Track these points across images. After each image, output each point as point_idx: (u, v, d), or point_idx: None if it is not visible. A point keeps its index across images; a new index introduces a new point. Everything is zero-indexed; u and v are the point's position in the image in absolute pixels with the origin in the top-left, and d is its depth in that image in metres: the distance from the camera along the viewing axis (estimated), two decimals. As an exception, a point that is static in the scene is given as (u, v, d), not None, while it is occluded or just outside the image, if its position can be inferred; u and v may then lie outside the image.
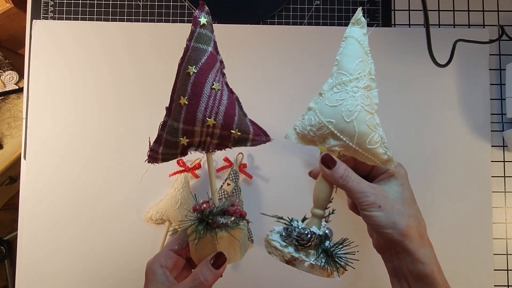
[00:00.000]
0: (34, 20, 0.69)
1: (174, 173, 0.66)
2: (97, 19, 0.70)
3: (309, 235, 0.40)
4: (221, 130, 0.40)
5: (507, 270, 0.68)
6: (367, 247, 0.67)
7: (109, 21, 0.70)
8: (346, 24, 0.71)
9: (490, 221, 0.68)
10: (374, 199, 0.39)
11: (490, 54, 0.70)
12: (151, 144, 0.41)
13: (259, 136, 0.42)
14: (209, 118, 0.38)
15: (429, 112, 0.69)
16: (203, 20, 0.38)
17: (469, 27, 0.72)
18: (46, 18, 0.70)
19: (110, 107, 0.69)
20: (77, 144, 0.68)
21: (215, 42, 0.40)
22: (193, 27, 0.38)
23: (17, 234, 0.67)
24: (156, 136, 0.41)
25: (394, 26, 0.72)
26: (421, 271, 0.39)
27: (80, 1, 0.71)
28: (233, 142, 0.41)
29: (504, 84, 0.70)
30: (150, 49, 0.69)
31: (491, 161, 0.69)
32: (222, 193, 0.64)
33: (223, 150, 0.41)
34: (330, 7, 0.72)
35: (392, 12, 0.72)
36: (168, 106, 0.40)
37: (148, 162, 0.41)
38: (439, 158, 0.69)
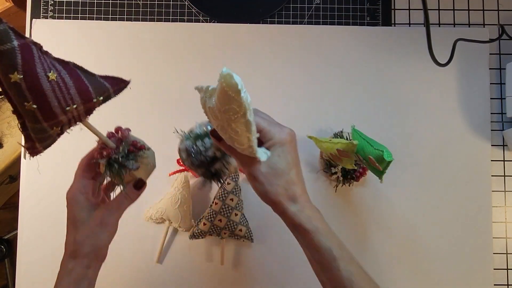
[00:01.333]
0: (34, 19, 0.69)
1: (174, 173, 0.66)
2: (97, 18, 0.70)
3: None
4: (84, 106, 0.39)
5: (507, 269, 0.68)
6: (363, 255, 0.68)
7: (109, 20, 0.70)
8: (346, 23, 0.71)
9: (490, 220, 0.68)
10: (250, 171, 0.42)
11: (490, 53, 0.70)
12: (24, 144, 0.39)
13: (118, 86, 0.42)
14: (68, 107, 0.36)
15: (429, 111, 0.69)
16: None
17: (469, 26, 0.72)
18: (46, 17, 0.70)
19: (109, 105, 0.68)
20: (77, 143, 0.68)
21: (13, 30, 0.32)
22: None
23: (17, 233, 0.67)
24: (24, 137, 0.38)
25: (394, 26, 0.72)
26: (292, 222, 0.42)
27: (80, 0, 0.71)
28: (100, 104, 0.42)
29: (504, 84, 0.70)
30: (150, 48, 0.69)
31: (491, 160, 0.69)
32: (223, 192, 0.64)
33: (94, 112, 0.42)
34: (330, 6, 0.72)
35: (392, 11, 0.72)
36: (13, 110, 0.36)
37: (32, 156, 0.40)
38: (439, 157, 0.69)
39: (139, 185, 0.48)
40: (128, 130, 0.48)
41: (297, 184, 0.42)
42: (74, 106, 0.37)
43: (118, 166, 0.44)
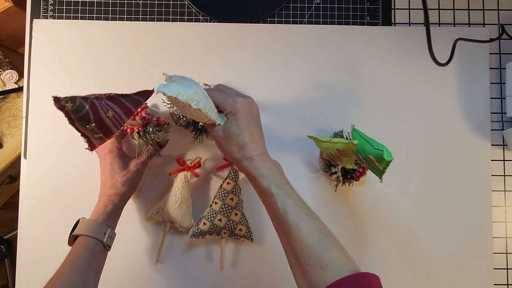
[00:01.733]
0: (34, 19, 0.69)
1: (174, 172, 0.66)
2: (97, 18, 0.70)
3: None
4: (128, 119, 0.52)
5: (507, 269, 0.68)
6: (363, 255, 0.68)
7: (109, 20, 0.70)
8: (346, 23, 0.71)
9: (490, 220, 0.68)
10: (212, 134, 0.54)
11: (490, 53, 0.70)
12: (88, 147, 0.49)
13: (146, 96, 0.51)
14: (122, 126, 0.50)
15: (429, 111, 0.69)
16: (69, 105, 0.40)
17: (469, 26, 0.72)
18: (46, 17, 0.70)
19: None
20: (77, 143, 0.68)
21: (82, 98, 0.42)
22: (64, 112, 0.41)
23: (17, 233, 0.67)
24: (87, 143, 0.49)
25: (394, 25, 0.72)
26: (245, 172, 0.53)
27: (80, 0, 0.70)
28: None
29: (504, 83, 0.70)
30: (150, 48, 0.69)
31: (491, 160, 0.69)
32: (223, 192, 0.64)
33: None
34: (330, 5, 0.72)
35: (392, 11, 0.72)
36: (80, 134, 0.46)
37: (91, 151, 0.50)
38: (439, 157, 0.69)
39: (160, 146, 0.64)
40: (147, 107, 0.63)
41: (249, 143, 0.52)
42: (125, 124, 0.51)
43: (152, 138, 0.61)
